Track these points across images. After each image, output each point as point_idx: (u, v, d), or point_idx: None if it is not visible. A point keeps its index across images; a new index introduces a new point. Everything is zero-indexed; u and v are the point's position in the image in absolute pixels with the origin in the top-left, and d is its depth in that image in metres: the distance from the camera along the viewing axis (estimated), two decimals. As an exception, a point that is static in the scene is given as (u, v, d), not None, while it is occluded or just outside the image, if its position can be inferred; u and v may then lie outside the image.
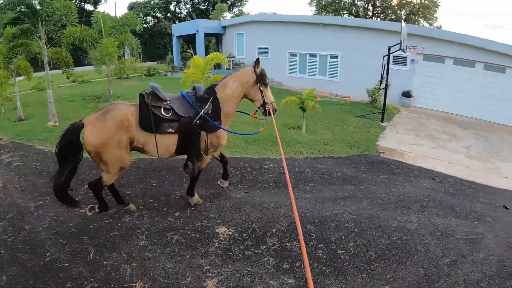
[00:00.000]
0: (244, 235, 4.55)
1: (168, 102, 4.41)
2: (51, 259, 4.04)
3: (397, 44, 11.52)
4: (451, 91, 15.38)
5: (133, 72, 11.77)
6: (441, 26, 37.70)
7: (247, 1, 48.37)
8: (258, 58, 4.83)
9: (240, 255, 4.17)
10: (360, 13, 38.77)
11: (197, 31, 24.39)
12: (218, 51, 25.70)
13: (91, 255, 4.09)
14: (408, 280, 4.00)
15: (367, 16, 38.01)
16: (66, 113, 12.19)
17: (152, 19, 45.31)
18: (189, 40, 33.69)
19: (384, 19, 36.28)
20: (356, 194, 6.07)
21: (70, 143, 4.15)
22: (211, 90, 4.66)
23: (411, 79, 16.08)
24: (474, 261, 4.54)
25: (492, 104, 14.57)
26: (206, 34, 25.67)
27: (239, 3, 47.08)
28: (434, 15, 38.16)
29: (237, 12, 46.17)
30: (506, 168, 8.94)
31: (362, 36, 17.23)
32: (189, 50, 33.19)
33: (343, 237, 4.65)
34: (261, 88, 4.75)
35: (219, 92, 4.66)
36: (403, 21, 13.18)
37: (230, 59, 21.89)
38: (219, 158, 5.49)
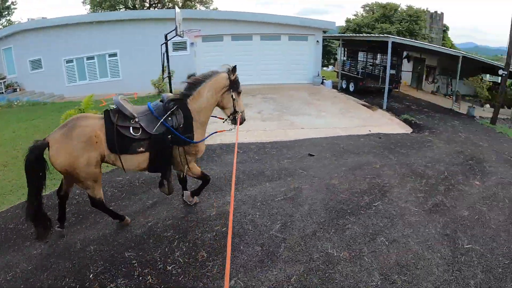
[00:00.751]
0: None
1: (137, 120, 4.04)
2: None
3: (173, 30, 11.12)
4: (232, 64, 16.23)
5: None
6: (217, 8, 39.72)
7: (15, 8, 40.36)
8: (235, 65, 4.54)
9: None
10: (137, 5, 37.52)
11: (-49, 57, 19.04)
12: (-15, 74, 20.78)
13: None
14: (250, 263, 3.68)
15: (145, 8, 37.10)
16: None
17: None
18: None
19: (162, 9, 36.01)
20: (162, 197, 5.29)
21: (33, 163, 3.79)
22: (180, 102, 4.27)
23: (193, 61, 16.30)
24: (303, 215, 4.47)
25: (273, 69, 16.24)
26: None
27: (7, 12, 38.95)
28: (210, -1, 40.27)
29: (5, 23, 38.17)
30: (299, 121, 9.70)
31: (141, 28, 16.53)
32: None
33: (167, 249, 4.02)
34: (234, 96, 4.52)
35: (193, 102, 4.33)
36: (176, 7, 12.94)
37: (0, 81, 18.09)
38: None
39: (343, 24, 36.05)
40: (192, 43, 15.88)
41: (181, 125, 4.19)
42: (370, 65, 17.72)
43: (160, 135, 4.10)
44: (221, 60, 16.09)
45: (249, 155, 6.98)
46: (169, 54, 11.79)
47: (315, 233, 4.11)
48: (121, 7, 37.16)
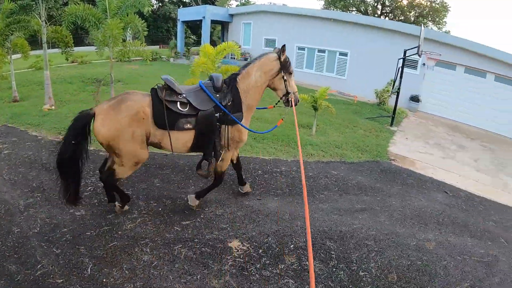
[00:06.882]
0: (260, 251, 4.12)
1: (184, 95, 4.03)
2: (42, 273, 3.50)
3: (414, 47, 11.25)
4: (460, 99, 15.12)
5: (135, 56, 11.23)
6: (450, 31, 36.82)
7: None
8: (284, 45, 4.48)
9: (257, 275, 3.73)
10: (369, 11, 37.81)
11: (204, 17, 23.94)
12: (223, 39, 25.45)
13: (89, 270, 3.58)
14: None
15: (376, 15, 36.93)
16: (63, 96, 11.64)
17: (157, 2, 43.97)
18: (192, 26, 32.99)
19: (392, 19, 34.90)
20: (372, 206, 5.74)
21: (77, 133, 3.79)
22: (231, 80, 4.31)
23: (421, 83, 15.74)
24: (491, 285, 4.47)
25: (500, 116, 14.36)
26: (212, 21, 25.05)
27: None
28: (444, 20, 37.10)
29: (244, 1, 45.04)
30: (516, 185, 8.89)
31: (373, 35, 16.86)
32: (192, 36, 32.33)
33: (364, 256, 4.31)
34: (285, 77, 4.42)
35: (241, 82, 4.32)
36: (422, 25, 12.86)
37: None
38: (233, 162, 5.11)
39: None
40: (424, 64, 15.29)
41: (230, 103, 4.14)
42: None
43: (208, 111, 4.04)
44: (449, 90, 15.48)
45: (457, 201, 6.89)
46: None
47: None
48: (353, 9, 38.42)
